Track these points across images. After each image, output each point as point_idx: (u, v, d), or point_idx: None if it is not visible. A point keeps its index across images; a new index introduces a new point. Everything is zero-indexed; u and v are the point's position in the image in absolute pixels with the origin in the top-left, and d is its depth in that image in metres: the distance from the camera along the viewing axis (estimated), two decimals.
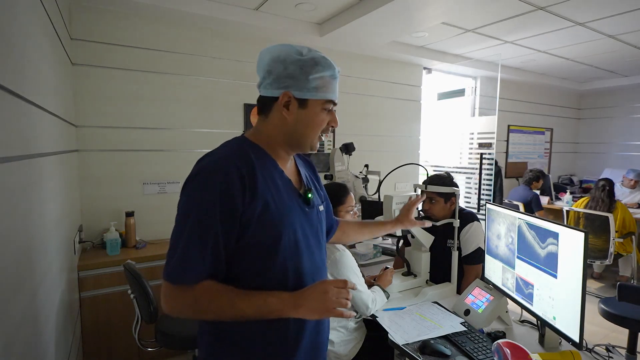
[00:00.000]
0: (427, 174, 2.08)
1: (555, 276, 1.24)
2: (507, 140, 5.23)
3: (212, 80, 2.96)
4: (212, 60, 2.95)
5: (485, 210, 1.69)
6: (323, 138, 0.98)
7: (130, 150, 2.68)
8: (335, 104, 0.96)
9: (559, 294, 1.23)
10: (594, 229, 3.57)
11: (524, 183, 4.35)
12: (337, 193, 1.70)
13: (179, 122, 2.85)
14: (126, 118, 2.66)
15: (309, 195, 1.00)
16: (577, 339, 1.16)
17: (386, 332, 1.44)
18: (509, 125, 5.21)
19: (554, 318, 1.26)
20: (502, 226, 1.54)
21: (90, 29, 2.50)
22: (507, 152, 5.23)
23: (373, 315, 1.58)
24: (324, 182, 1.30)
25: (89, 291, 2.19)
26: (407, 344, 1.35)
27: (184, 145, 2.88)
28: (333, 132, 3.57)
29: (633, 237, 3.67)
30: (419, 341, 1.36)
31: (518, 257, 1.44)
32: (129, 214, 2.54)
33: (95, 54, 2.53)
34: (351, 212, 1.71)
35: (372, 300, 1.57)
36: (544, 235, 1.29)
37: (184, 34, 2.82)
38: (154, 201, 2.78)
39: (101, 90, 2.56)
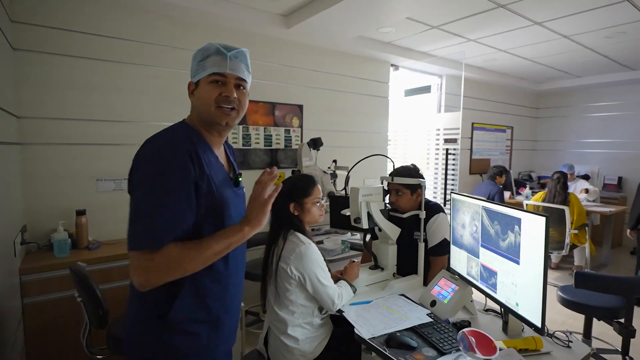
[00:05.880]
0: (394, 167, 2.07)
1: (517, 262, 1.25)
2: (472, 138, 5.39)
3: (172, 70, 2.81)
4: (173, 50, 2.80)
5: (450, 199, 1.69)
6: (227, 109, 1.03)
7: (81, 144, 2.49)
8: (223, 76, 1.01)
9: (521, 280, 1.24)
10: (552, 221, 3.73)
11: (488, 178, 4.55)
12: (302, 184, 1.61)
13: (137, 114, 2.68)
14: (77, 109, 2.46)
15: (240, 179, 1.14)
16: (539, 324, 1.16)
17: (353, 327, 1.40)
18: (472, 123, 5.37)
19: (517, 304, 1.27)
20: (467, 215, 1.55)
21: (34, 11, 2.28)
22: (471, 149, 5.39)
23: (339, 310, 1.53)
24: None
25: (33, 297, 2.00)
26: (374, 337, 1.31)
27: (142, 139, 2.68)
28: (300, 126, 3.51)
29: (586, 228, 3.88)
30: (385, 334, 1.33)
31: (482, 246, 1.44)
32: (80, 213, 2.35)
33: (41, 39, 2.31)
34: (318, 205, 1.63)
35: (339, 296, 1.52)
36: (506, 222, 1.30)
37: (141, 21, 2.65)
38: (109, 199, 2.59)
39: (48, 79, 2.35)
